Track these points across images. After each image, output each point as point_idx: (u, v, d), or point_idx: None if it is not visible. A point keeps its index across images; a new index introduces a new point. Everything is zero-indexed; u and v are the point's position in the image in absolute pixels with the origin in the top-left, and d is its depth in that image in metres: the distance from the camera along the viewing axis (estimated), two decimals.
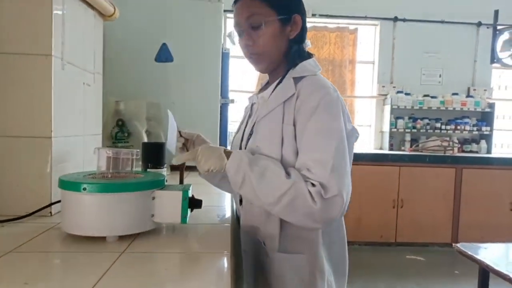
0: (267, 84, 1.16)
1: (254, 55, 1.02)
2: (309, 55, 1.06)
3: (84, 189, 0.77)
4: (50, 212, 1.00)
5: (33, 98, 0.99)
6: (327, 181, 0.85)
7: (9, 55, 0.98)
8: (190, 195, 0.88)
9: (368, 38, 4.61)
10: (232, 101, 2.05)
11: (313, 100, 0.92)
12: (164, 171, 1.20)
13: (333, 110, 0.92)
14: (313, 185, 0.86)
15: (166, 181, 0.92)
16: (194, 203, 0.89)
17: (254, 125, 1.02)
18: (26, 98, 0.98)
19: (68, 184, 0.80)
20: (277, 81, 1.05)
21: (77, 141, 1.16)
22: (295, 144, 0.93)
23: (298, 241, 0.96)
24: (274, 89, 1.04)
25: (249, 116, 1.13)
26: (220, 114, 2.01)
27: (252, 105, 1.14)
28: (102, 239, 0.80)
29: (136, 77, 1.90)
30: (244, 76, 4.21)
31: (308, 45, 1.09)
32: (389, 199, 3.78)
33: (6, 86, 0.98)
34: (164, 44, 1.95)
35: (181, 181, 1.54)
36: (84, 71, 1.21)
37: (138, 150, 0.91)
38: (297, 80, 0.98)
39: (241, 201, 1.06)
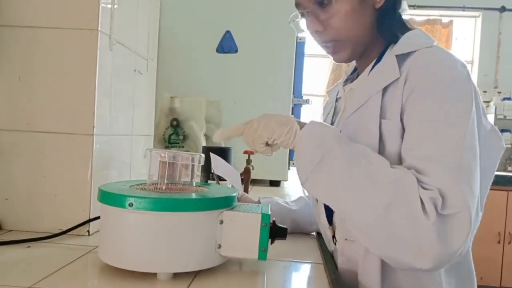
0: (354, 72, 0.96)
1: (328, 43, 0.82)
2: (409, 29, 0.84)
3: (130, 204, 0.62)
4: (88, 231, 0.87)
5: (73, 83, 0.87)
6: (447, 188, 0.62)
7: (43, 30, 0.87)
8: (271, 219, 0.70)
9: (466, 33, 4.23)
10: (307, 101, 1.87)
11: (432, 77, 0.70)
12: (230, 184, 1.04)
13: (460, 90, 0.70)
14: (426, 189, 0.63)
15: (238, 199, 0.75)
16: (276, 232, 0.71)
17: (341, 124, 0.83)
18: (64, 83, 0.87)
19: (110, 197, 0.65)
20: (371, 65, 0.85)
21: (124, 142, 1.04)
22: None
23: None
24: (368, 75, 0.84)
25: (334, 115, 0.93)
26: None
27: (336, 100, 0.95)
28: (151, 276, 0.64)
29: (193, 70, 1.78)
30: (313, 76, 4.02)
31: (406, 10, 0.87)
32: (493, 232, 3.36)
33: (37, 67, 0.87)
34: (227, 32, 1.82)
35: None
36: (135, 55, 1.09)
37: (201, 154, 0.76)
38: (402, 58, 0.77)
39: (333, 237, 0.86)
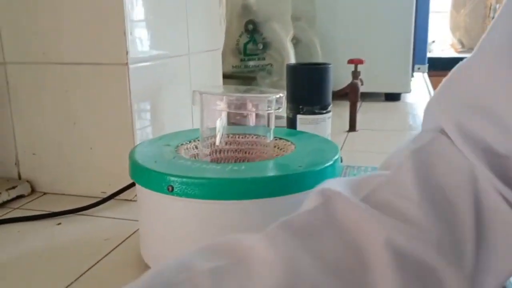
0: None
1: None
2: None
3: (170, 189, 0.45)
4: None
5: None
6: None
7: None
8: None
9: None
10: None
11: None
12: (329, 118, 0.83)
13: None
14: None
15: (341, 160, 0.54)
16: None
17: None
18: None
19: (140, 174, 0.49)
20: None
21: (178, 66, 0.85)
22: None
23: None
24: None
25: None
26: (416, 9, 1.49)
27: None
28: None
29: None
30: None
31: None
32: None
33: None
34: None
35: (352, 125, 1.16)
36: None
37: (280, 94, 0.54)
38: None
39: None
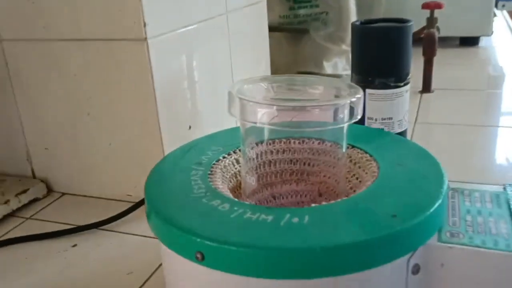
0: None
1: None
2: None
3: (200, 257, 0.30)
4: None
5: None
6: None
7: None
8: None
9: None
10: None
11: None
12: (407, 91, 0.64)
13: None
14: None
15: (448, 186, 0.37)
16: None
17: None
18: None
19: (160, 227, 0.34)
20: None
21: (213, 32, 0.68)
22: None
23: None
24: None
25: None
26: None
27: None
28: None
29: None
30: None
31: None
32: None
33: None
34: None
35: (427, 86, 0.96)
36: None
37: (357, 96, 0.37)
38: None
39: None
